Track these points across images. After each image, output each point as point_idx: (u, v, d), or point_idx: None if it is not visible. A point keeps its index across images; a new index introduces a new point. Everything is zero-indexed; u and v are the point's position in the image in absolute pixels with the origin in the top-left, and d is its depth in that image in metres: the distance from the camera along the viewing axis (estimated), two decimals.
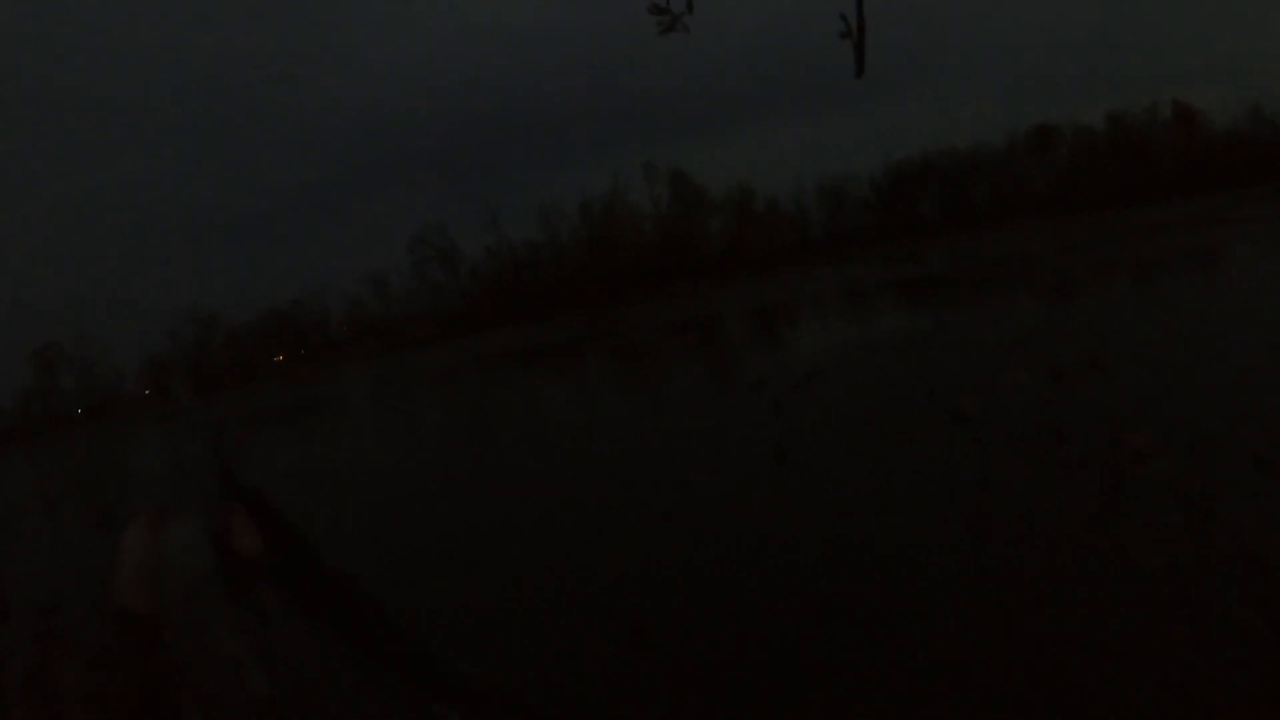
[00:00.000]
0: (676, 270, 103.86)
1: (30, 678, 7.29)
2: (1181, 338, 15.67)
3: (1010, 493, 8.51)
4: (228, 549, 10.22)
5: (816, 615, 6.72)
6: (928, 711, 5.14)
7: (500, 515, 11.90)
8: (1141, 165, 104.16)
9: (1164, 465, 8.29)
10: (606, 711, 5.67)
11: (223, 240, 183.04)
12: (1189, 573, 6.24)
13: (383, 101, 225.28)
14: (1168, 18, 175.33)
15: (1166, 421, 10.13)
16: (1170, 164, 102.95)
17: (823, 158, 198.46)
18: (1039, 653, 5.54)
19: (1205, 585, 6.02)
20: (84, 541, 15.93)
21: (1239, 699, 4.83)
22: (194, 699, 5.94)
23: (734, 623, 6.85)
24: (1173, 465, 8.27)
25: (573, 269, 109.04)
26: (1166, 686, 5.01)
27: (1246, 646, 5.30)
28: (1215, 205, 67.80)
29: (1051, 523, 7.58)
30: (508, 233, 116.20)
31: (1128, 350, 15.08)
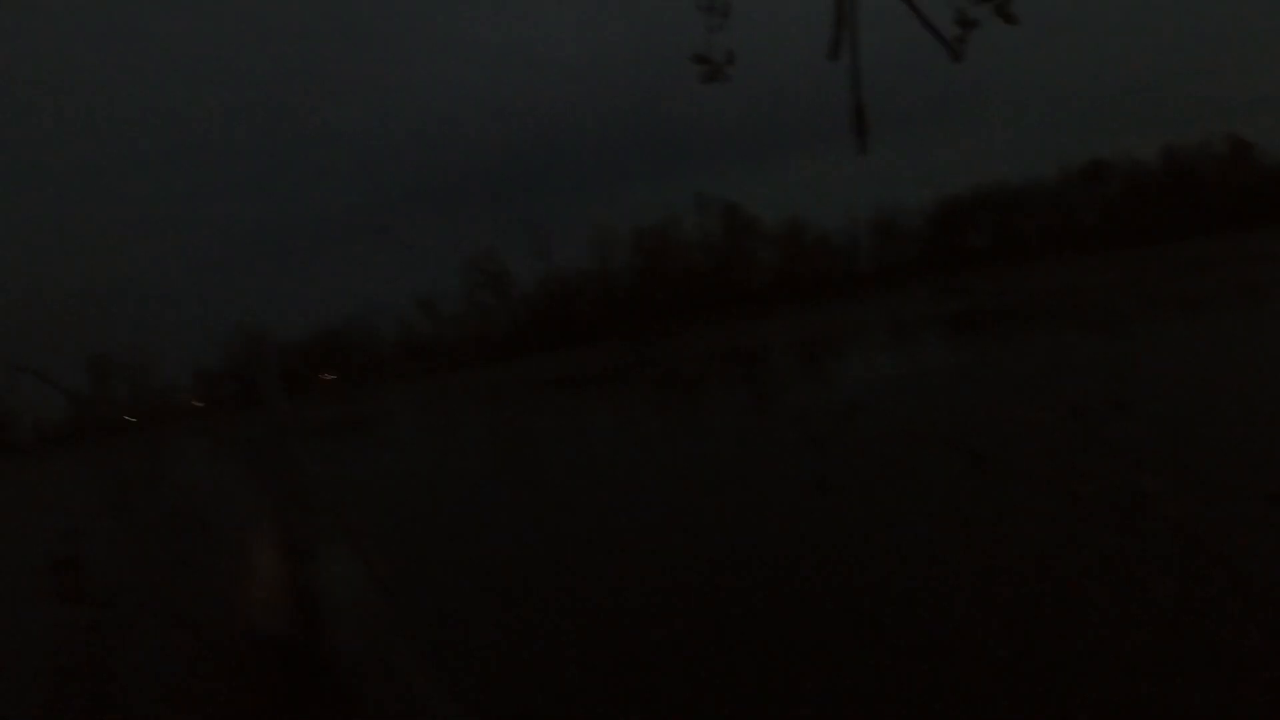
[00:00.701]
0: (725, 300, 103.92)
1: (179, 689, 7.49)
2: (1217, 376, 15.61)
3: (1024, 530, 8.65)
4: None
5: (834, 641, 6.93)
6: None
7: (539, 540, 12.11)
8: (1194, 199, 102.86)
9: (1176, 506, 8.40)
10: None
11: (276, 258, 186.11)
12: (1200, 608, 6.35)
13: (437, 126, 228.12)
14: (1222, 49, 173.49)
15: (1185, 462, 10.19)
16: (1223, 198, 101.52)
17: (874, 190, 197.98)
18: (1049, 685, 5.70)
19: (1217, 620, 6.14)
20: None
21: None
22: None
23: (753, 646, 7.09)
24: (1186, 506, 8.38)
25: (622, 296, 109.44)
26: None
27: (1257, 678, 5.42)
28: (1269, 240, 66.85)
29: (1064, 561, 7.70)
30: (558, 259, 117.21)
31: (1168, 388, 15.05)
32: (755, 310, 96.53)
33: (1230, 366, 16.55)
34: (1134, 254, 78.57)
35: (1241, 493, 8.55)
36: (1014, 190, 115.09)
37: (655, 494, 13.98)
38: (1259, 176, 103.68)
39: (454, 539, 13.20)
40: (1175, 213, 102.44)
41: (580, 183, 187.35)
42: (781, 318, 78.28)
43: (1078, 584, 7.16)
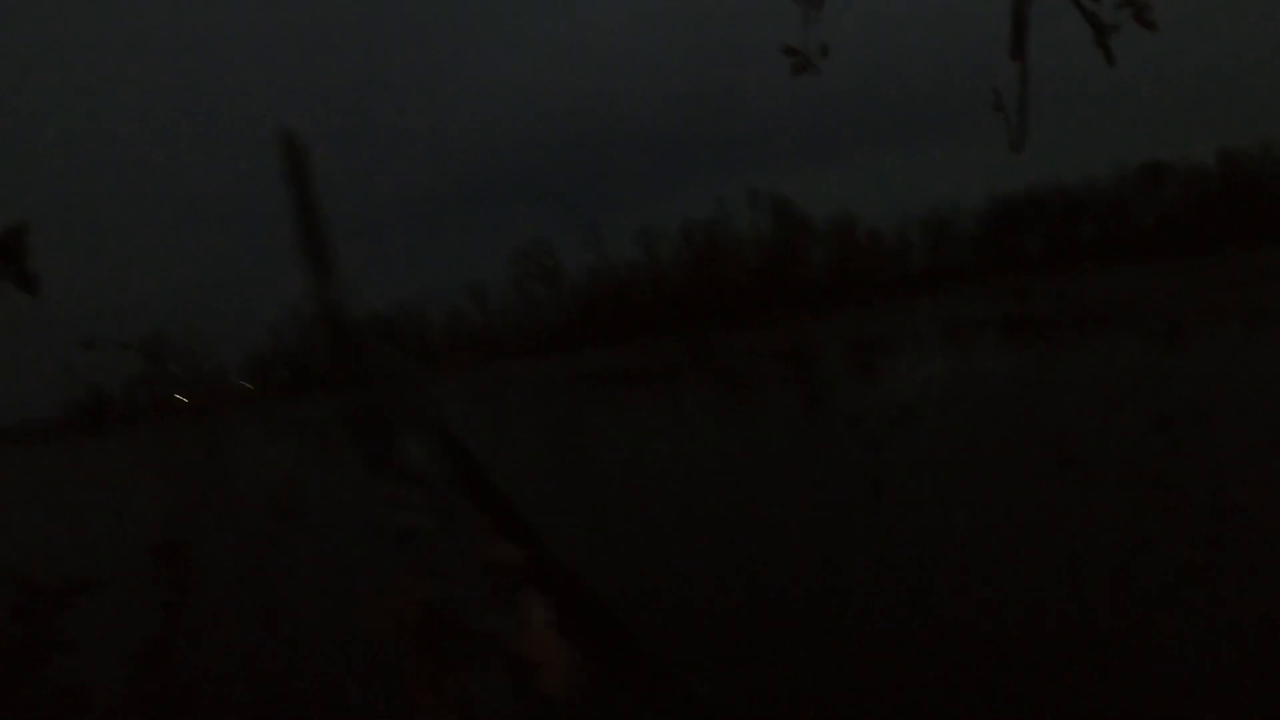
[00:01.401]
0: (777, 298, 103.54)
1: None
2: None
3: (1107, 539, 8.53)
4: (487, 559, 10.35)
5: (899, 652, 6.87)
6: None
7: (586, 539, 12.11)
8: (1255, 205, 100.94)
9: (1268, 519, 8.26)
10: None
11: (335, 244, 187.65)
12: None
13: (492, 121, 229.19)
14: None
15: (1272, 475, 10.02)
16: None
17: (928, 189, 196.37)
18: (1126, 703, 5.62)
19: None
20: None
21: None
22: None
23: (806, 654, 7.09)
24: (1276, 519, 8.24)
25: (672, 292, 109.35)
26: None
27: None
28: None
29: (1147, 572, 7.60)
30: (609, 252, 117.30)
31: (1235, 399, 14.81)
32: (807, 309, 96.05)
33: None
34: (1194, 260, 77.27)
35: None
36: (1070, 192, 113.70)
37: (707, 496, 13.83)
38: None
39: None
40: (1235, 219, 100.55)
41: (633, 177, 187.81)
42: (834, 317, 77.80)
43: (1160, 598, 7.05)
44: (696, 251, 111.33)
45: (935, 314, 57.72)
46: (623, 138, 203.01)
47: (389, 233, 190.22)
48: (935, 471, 12.84)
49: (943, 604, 7.69)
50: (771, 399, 26.55)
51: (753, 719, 6.13)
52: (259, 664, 7.75)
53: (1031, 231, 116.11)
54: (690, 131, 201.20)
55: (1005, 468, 12.38)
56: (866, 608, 7.87)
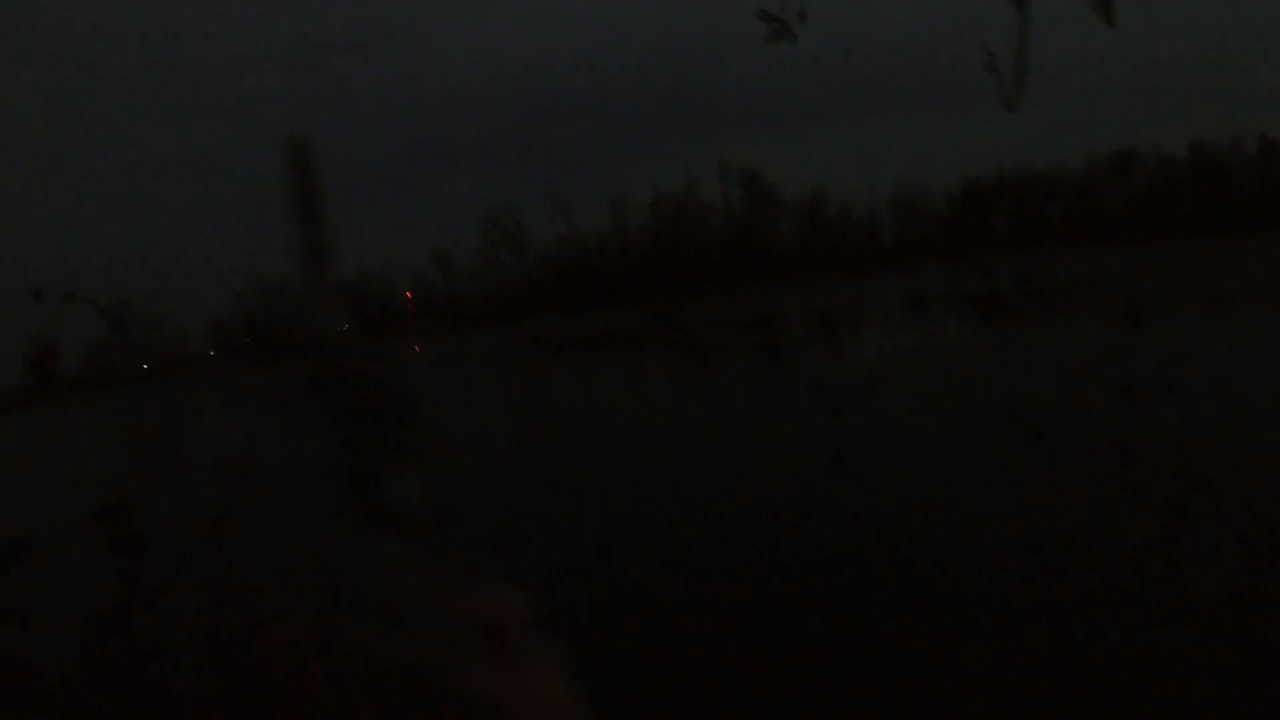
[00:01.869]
0: (744, 268, 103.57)
1: None
2: (1255, 369, 15.48)
3: (1070, 509, 8.55)
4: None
5: (853, 619, 6.89)
6: None
7: (546, 506, 12.03)
8: (1221, 196, 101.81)
9: (1232, 493, 8.27)
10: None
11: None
12: (1246, 604, 6.26)
13: (460, 81, 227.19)
14: (1256, 46, 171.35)
15: (1236, 450, 10.09)
16: (1250, 197, 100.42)
17: (898, 166, 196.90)
18: (1083, 673, 5.62)
19: (1264, 618, 6.04)
20: None
21: None
22: None
23: (762, 621, 7.08)
24: (1241, 493, 8.25)
25: (640, 260, 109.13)
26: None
27: None
28: None
29: (1110, 542, 7.61)
30: (577, 220, 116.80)
31: (1194, 377, 14.88)
32: (775, 280, 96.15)
33: (1267, 361, 16.46)
34: (1159, 246, 77.81)
35: None
36: (1039, 175, 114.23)
37: (671, 462, 13.80)
38: None
39: (464, 501, 12.83)
40: (1201, 208, 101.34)
41: (603, 144, 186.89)
42: (801, 289, 77.94)
43: (1125, 570, 7.05)
44: (665, 221, 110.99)
45: (902, 288, 57.94)
46: (593, 103, 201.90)
47: (354, 196, 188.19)
48: (898, 441, 12.85)
49: (904, 570, 7.69)
50: (736, 367, 26.55)
51: (716, 683, 6.05)
52: (212, 631, 7.63)
53: (1000, 212, 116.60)
54: (661, 99, 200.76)
55: (968, 438, 12.42)
56: (829, 572, 7.89)
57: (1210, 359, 16.76)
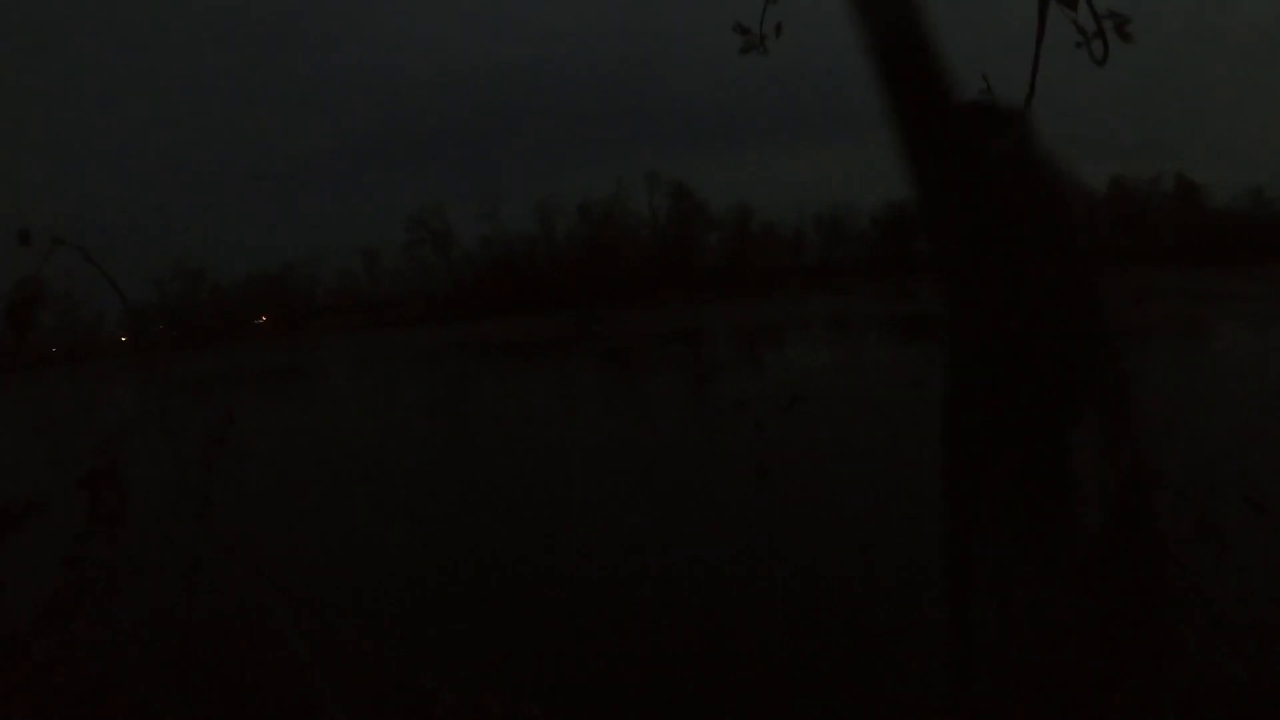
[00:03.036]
0: (670, 281, 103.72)
1: None
2: (1172, 394, 15.80)
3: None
4: None
5: (780, 622, 6.93)
6: None
7: (464, 514, 11.85)
8: (1141, 233, 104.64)
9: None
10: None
11: (222, 196, 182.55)
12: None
13: (397, 79, 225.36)
14: (1175, 95, 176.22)
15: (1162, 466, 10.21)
16: (1168, 235, 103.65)
17: (825, 187, 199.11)
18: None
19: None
20: None
21: None
22: None
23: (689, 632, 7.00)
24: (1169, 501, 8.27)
25: (567, 268, 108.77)
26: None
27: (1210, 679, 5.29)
28: (1211, 279, 68.23)
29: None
30: (505, 224, 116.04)
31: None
32: (701, 294, 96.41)
33: (1183, 388, 16.80)
34: None
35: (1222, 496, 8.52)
36: None
37: (593, 472, 13.70)
38: (1204, 218, 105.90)
39: (373, 503, 12.76)
40: (1122, 244, 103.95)
41: (536, 149, 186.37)
42: (727, 303, 78.27)
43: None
44: (593, 229, 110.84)
45: (827, 308, 58.49)
46: (532, 111, 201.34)
47: (284, 187, 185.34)
48: (819, 453, 12.88)
49: (823, 578, 7.76)
50: (659, 377, 26.49)
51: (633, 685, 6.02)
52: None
53: (922, 237, 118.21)
54: (595, 109, 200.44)
55: (886, 451, 12.56)
56: (747, 579, 7.92)
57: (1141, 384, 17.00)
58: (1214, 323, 32.55)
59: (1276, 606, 6.50)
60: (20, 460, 21.47)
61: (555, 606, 7.85)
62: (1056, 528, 2.15)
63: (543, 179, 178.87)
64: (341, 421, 23.25)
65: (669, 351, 36.41)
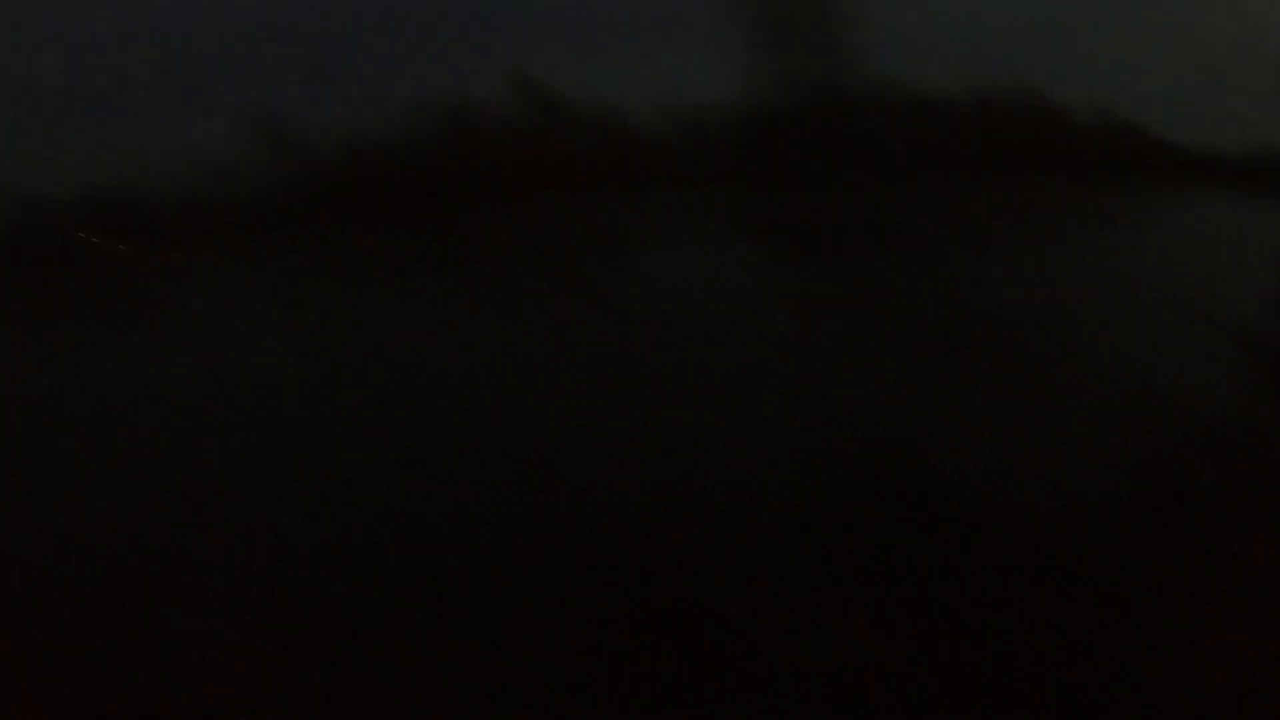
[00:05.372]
0: (533, 185, 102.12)
1: None
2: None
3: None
4: None
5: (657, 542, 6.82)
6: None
7: (321, 455, 10.89)
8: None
9: None
10: None
11: (50, 112, 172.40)
12: None
13: None
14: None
15: None
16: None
17: (694, 87, 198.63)
18: None
19: None
20: None
21: None
22: None
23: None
24: None
25: (422, 172, 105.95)
26: None
27: None
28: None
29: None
30: (360, 129, 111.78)
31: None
32: (564, 198, 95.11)
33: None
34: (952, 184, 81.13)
35: None
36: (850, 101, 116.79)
37: (458, 385, 13.57)
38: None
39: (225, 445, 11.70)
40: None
41: (393, 49, 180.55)
42: (590, 208, 77.85)
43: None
44: (449, 131, 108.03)
45: (693, 211, 59.09)
46: (384, 6, 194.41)
47: (118, 97, 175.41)
48: (691, 359, 13.10)
49: (693, 489, 7.73)
50: (522, 285, 26.03)
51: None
52: None
53: (797, 143, 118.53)
54: (449, 5, 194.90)
55: (752, 356, 13.10)
56: (620, 492, 7.79)
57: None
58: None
59: None
60: None
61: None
62: None
63: (403, 81, 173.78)
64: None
65: (538, 259, 36.50)
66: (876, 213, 46.50)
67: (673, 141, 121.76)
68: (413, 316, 24.66)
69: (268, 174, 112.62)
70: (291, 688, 5.35)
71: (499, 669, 5.22)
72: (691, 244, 37.37)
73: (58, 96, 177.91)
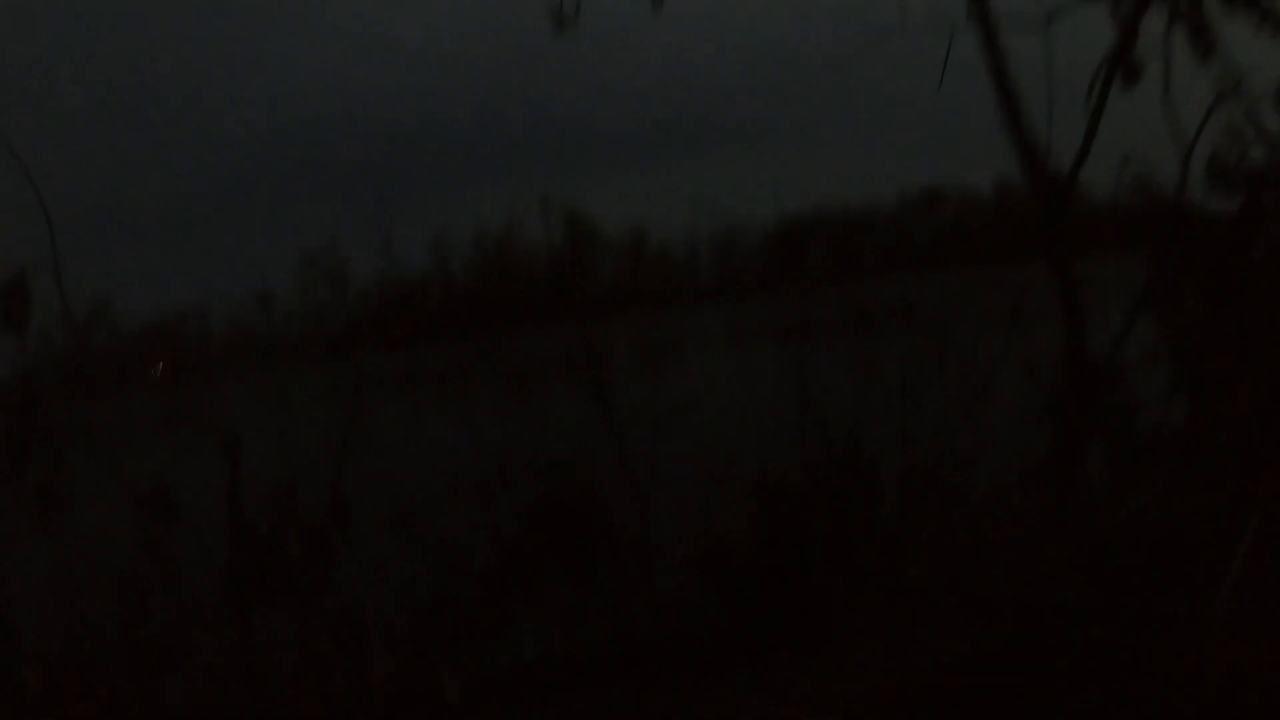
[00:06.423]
0: (565, 305, 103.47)
1: None
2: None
3: None
4: None
5: None
6: None
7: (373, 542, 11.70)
8: (1021, 229, 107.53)
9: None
10: None
11: (112, 240, 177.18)
12: None
13: (285, 112, 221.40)
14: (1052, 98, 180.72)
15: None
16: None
17: (716, 204, 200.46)
18: None
19: None
20: None
21: None
22: None
23: None
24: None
25: (462, 297, 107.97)
26: None
27: None
28: (1082, 268, 70.54)
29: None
30: (400, 256, 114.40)
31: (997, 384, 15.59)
32: (596, 316, 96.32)
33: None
34: (964, 272, 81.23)
35: None
36: (853, 213, 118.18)
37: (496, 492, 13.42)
38: (1079, 214, 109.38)
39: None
40: (1006, 240, 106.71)
41: (427, 179, 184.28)
42: (622, 323, 78.44)
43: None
44: (487, 258, 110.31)
45: (720, 319, 59.04)
46: (419, 137, 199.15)
47: (170, 228, 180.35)
48: (716, 457, 13.06)
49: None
50: (558, 397, 26.58)
51: None
52: None
53: (815, 247, 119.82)
54: (486, 135, 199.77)
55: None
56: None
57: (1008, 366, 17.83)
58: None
59: None
60: None
61: None
62: None
63: (438, 209, 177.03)
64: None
65: (566, 372, 36.57)
66: (895, 300, 46.76)
67: (696, 256, 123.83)
68: (444, 415, 26.13)
69: (317, 301, 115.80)
70: None
71: None
72: (715, 344, 37.90)
73: (127, 221, 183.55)
